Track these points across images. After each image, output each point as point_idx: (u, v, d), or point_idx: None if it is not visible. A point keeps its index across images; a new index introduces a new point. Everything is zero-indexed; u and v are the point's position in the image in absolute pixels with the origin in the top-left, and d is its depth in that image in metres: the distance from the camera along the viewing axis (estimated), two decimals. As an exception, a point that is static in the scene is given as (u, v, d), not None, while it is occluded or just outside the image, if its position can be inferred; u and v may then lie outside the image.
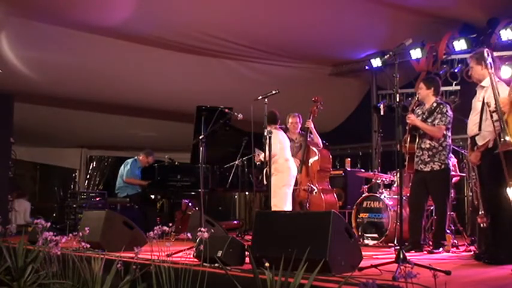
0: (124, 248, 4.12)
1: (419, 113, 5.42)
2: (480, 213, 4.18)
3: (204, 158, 5.98)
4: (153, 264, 3.37)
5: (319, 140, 6.70)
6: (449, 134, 5.33)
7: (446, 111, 5.24)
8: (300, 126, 6.91)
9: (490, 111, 3.99)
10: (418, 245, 5.20)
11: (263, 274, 2.84)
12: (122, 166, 8.16)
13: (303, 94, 8.22)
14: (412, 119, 5.28)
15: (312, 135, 6.72)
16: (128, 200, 7.94)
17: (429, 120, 5.30)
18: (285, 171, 6.06)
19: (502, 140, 3.79)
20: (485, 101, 4.20)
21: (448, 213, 5.45)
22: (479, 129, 4.29)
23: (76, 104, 9.45)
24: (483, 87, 4.40)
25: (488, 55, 4.18)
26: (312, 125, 6.65)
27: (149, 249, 3.54)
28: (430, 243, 5.49)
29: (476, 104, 4.42)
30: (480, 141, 4.26)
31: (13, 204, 9.42)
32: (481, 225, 4.19)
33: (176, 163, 8.75)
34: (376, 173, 6.76)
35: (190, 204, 8.67)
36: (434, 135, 5.23)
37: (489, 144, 4.15)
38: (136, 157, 8.26)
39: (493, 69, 4.13)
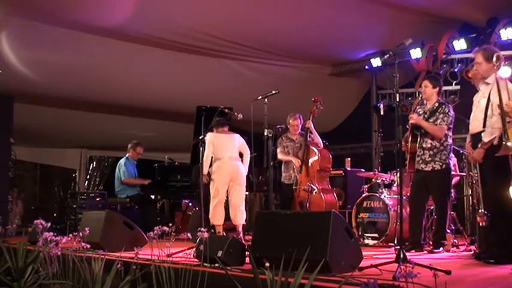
0: (124, 248, 4.13)
1: (421, 112, 5.40)
2: (480, 211, 4.17)
3: (204, 158, 6.02)
4: (153, 264, 3.37)
5: (319, 140, 6.69)
6: (451, 133, 5.32)
7: (449, 111, 5.23)
8: (300, 126, 6.90)
9: (498, 113, 3.98)
10: (419, 245, 5.20)
11: (263, 274, 2.83)
12: (117, 168, 8.07)
13: (303, 94, 8.22)
14: (415, 118, 5.27)
15: (312, 135, 6.72)
16: (128, 200, 7.93)
17: (431, 120, 5.28)
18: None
19: (504, 144, 3.78)
20: (491, 98, 4.19)
21: (449, 212, 5.45)
22: (484, 125, 4.26)
23: (76, 104, 9.46)
24: (488, 83, 4.36)
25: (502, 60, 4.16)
26: (312, 125, 6.65)
27: (149, 250, 3.54)
28: (431, 242, 5.48)
29: (481, 100, 4.38)
30: (486, 137, 4.22)
31: None
32: (480, 224, 4.18)
33: (176, 163, 8.75)
34: (376, 172, 6.76)
35: (190, 204, 8.67)
36: (436, 135, 5.22)
37: (494, 141, 4.13)
38: (127, 155, 8.20)
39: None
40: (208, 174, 6.15)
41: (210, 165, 6.20)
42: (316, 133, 6.69)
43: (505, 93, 3.98)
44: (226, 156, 6.18)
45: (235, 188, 6.23)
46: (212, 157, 6.22)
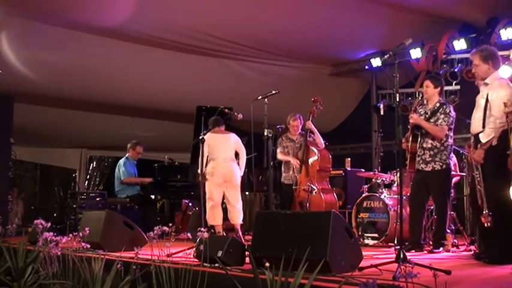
0: (124, 248, 4.13)
1: (422, 112, 5.40)
2: (484, 212, 4.16)
3: (204, 158, 6.00)
4: (153, 264, 3.37)
5: (320, 140, 6.68)
6: (452, 134, 5.32)
7: (450, 111, 5.23)
8: (300, 127, 6.90)
9: (504, 112, 3.98)
10: (419, 245, 5.20)
11: (263, 274, 2.84)
12: (117, 168, 8.07)
13: (303, 94, 8.21)
14: (415, 118, 5.27)
15: (313, 136, 6.71)
16: (128, 200, 7.93)
17: (432, 120, 5.28)
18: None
19: None
20: (490, 98, 4.20)
21: (449, 212, 5.45)
22: (483, 126, 4.26)
23: (76, 104, 9.46)
24: (487, 84, 4.36)
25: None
26: (313, 126, 6.63)
27: (149, 250, 3.54)
28: (431, 242, 5.49)
29: (480, 101, 4.38)
30: (484, 139, 4.22)
31: None
32: (485, 224, 4.17)
33: (176, 163, 8.75)
34: (376, 172, 6.76)
35: (190, 204, 8.67)
36: (436, 135, 5.22)
37: (493, 141, 4.13)
38: (127, 155, 8.20)
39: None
40: (203, 174, 6.17)
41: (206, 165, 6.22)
42: (318, 133, 6.68)
43: (498, 90, 4.01)
44: (221, 157, 6.21)
45: (230, 189, 6.28)
46: (207, 157, 6.24)
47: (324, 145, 6.74)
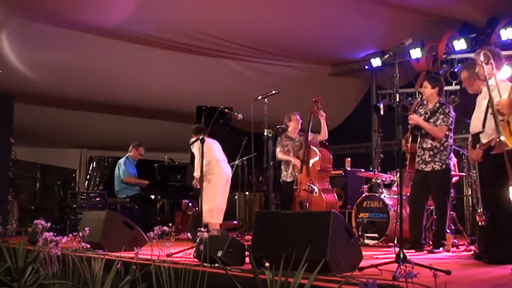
0: (124, 248, 4.12)
1: (422, 112, 5.42)
2: (479, 211, 4.17)
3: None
4: (153, 264, 3.37)
5: (326, 132, 6.73)
6: (451, 134, 5.33)
7: (449, 111, 5.24)
8: (300, 125, 6.92)
9: (495, 109, 3.97)
10: (418, 245, 5.21)
11: (263, 274, 2.84)
12: (116, 168, 8.09)
13: (303, 94, 8.22)
14: (415, 118, 5.28)
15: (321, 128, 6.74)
16: (128, 200, 7.93)
17: (431, 120, 5.29)
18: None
19: (497, 140, 3.79)
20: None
21: (448, 212, 5.45)
22: (483, 126, 4.26)
23: (76, 104, 9.46)
24: (490, 84, 4.35)
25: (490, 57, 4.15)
26: (325, 116, 6.68)
27: (149, 250, 3.54)
28: (430, 242, 5.49)
29: (482, 101, 4.38)
30: (484, 139, 4.23)
31: None
32: (480, 223, 4.18)
33: (176, 163, 8.76)
34: (376, 172, 6.76)
35: (190, 204, 8.67)
36: (436, 135, 5.23)
37: (492, 142, 4.13)
38: (127, 154, 8.22)
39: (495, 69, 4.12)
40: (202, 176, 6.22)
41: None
42: (325, 125, 6.73)
43: (506, 93, 3.99)
44: (220, 159, 6.34)
45: (226, 190, 6.46)
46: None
47: (326, 136, 6.77)
